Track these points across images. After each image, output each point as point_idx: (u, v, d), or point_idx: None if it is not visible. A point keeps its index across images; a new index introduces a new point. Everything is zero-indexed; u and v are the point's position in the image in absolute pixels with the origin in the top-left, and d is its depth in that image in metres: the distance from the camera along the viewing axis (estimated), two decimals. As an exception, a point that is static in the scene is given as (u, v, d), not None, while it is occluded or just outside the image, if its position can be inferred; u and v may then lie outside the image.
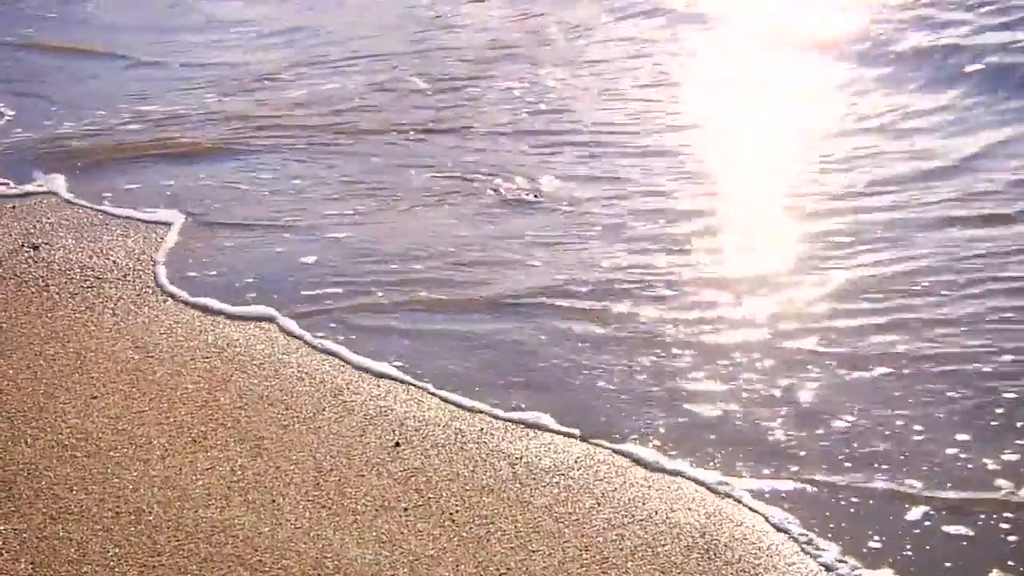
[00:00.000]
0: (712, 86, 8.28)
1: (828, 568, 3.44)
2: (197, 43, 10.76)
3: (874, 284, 5.13)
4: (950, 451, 3.94)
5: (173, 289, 5.39)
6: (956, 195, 6.00)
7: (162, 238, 6.01)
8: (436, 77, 8.87)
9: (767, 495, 3.78)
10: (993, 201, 5.89)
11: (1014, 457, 3.87)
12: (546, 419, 4.25)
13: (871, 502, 3.72)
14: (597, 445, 4.08)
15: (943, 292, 5.00)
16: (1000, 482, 3.76)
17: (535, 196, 6.29)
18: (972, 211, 5.79)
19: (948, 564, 3.43)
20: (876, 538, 3.55)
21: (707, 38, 9.43)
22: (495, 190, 6.37)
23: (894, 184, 6.23)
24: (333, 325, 5.03)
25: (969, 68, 7.80)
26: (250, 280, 5.51)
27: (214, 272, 5.62)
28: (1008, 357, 4.45)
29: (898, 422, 4.12)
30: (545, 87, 8.47)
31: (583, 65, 9.02)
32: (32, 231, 6.11)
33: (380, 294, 5.32)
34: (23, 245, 5.91)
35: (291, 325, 5.03)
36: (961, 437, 4.01)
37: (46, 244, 5.93)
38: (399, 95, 8.50)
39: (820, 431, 4.10)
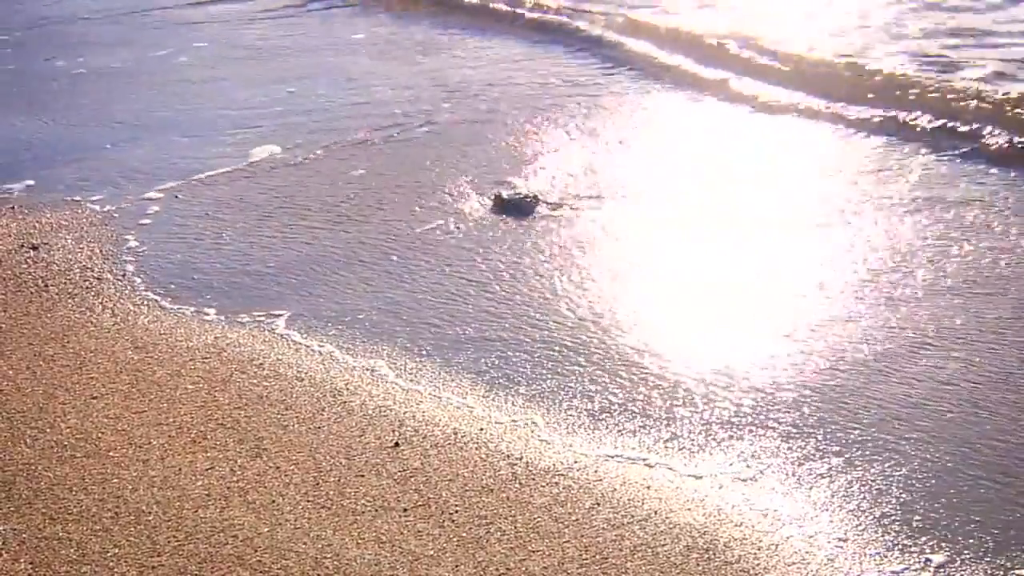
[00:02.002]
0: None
1: (830, 568, 3.44)
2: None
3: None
4: (945, 443, 3.96)
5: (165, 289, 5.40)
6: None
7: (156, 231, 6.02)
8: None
9: (769, 492, 3.79)
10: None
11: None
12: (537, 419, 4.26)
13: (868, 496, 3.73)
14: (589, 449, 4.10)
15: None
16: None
17: (533, 198, 6.29)
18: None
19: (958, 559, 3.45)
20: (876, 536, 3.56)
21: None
22: (495, 195, 6.37)
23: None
24: (334, 326, 5.03)
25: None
26: (250, 280, 5.51)
27: (211, 273, 5.62)
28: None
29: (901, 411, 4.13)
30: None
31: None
32: (32, 231, 6.11)
33: (378, 296, 5.33)
34: (23, 245, 5.91)
35: (293, 327, 5.03)
36: (956, 432, 4.02)
37: (46, 244, 5.93)
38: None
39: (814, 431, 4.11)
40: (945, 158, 6.59)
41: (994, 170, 6.35)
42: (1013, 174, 6.27)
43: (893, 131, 7.09)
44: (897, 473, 3.86)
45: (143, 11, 12.41)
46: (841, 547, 3.53)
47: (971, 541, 3.53)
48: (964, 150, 6.62)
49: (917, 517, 3.65)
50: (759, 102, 7.95)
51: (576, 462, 4.00)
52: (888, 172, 6.48)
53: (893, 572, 3.42)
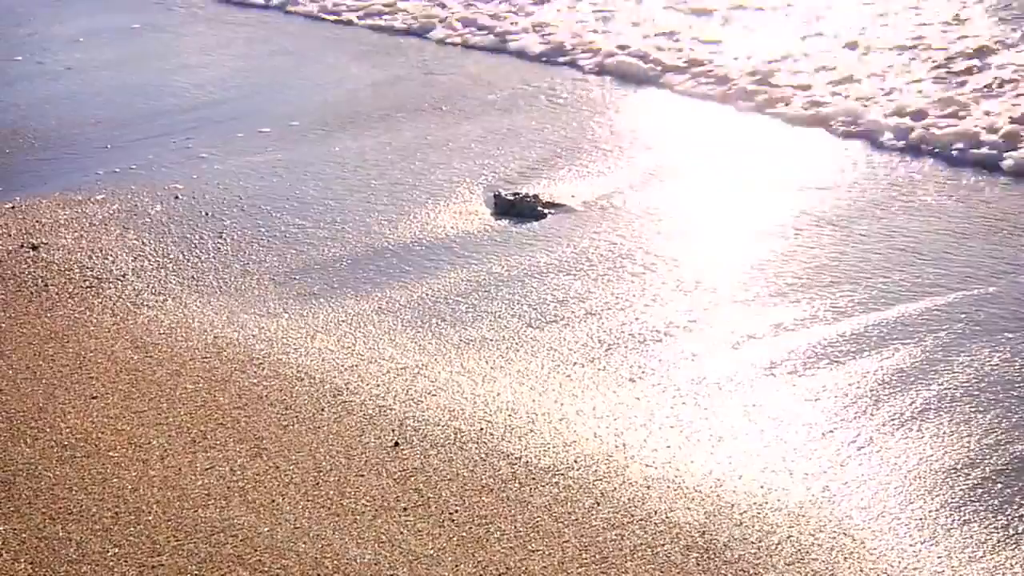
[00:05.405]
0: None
1: (829, 567, 3.45)
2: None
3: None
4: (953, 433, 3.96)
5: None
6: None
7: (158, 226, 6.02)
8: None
9: (769, 491, 3.80)
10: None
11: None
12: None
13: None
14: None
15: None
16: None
17: (534, 197, 6.29)
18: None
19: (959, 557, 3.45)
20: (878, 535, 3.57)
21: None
22: (495, 195, 6.37)
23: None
24: (335, 326, 5.04)
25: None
26: (251, 280, 5.51)
27: (212, 272, 5.62)
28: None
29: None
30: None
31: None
32: (32, 231, 6.11)
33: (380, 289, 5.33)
34: (23, 245, 5.91)
35: (293, 327, 5.04)
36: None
37: (45, 244, 5.93)
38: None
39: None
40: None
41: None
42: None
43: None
44: (896, 472, 3.87)
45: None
46: (841, 546, 3.54)
47: (969, 538, 3.53)
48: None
49: (917, 515, 3.65)
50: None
51: (576, 462, 4.00)
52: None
53: (892, 569, 3.43)
